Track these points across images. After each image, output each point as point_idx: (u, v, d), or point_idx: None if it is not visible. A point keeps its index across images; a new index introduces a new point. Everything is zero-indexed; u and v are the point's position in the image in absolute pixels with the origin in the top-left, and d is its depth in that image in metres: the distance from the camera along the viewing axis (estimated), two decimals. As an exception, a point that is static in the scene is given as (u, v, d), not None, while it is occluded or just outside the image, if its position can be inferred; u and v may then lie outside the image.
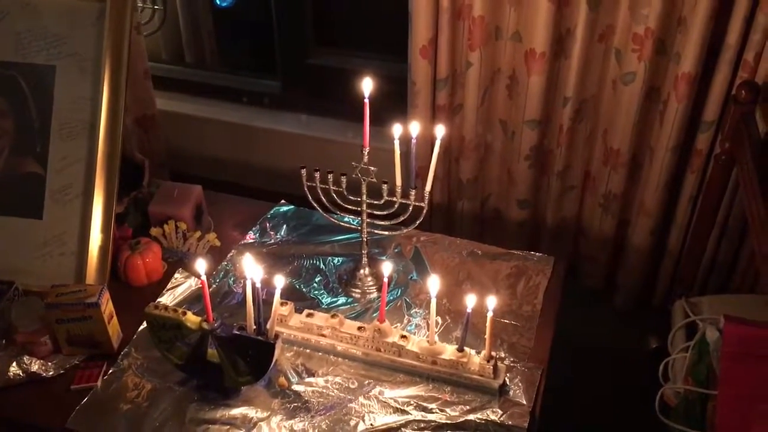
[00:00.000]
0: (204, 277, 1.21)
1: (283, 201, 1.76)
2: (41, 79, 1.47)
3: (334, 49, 2.18)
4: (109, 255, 1.46)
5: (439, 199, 1.97)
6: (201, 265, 1.21)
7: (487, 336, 1.26)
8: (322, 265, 1.58)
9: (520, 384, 1.30)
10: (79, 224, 1.45)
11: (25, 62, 1.47)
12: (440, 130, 1.34)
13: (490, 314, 1.23)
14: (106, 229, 1.46)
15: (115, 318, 1.37)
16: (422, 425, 1.23)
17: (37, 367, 1.31)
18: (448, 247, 1.63)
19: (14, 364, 1.30)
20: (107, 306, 1.33)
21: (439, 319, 1.43)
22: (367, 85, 1.31)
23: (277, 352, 1.24)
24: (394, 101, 1.93)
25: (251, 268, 1.18)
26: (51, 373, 1.31)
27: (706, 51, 1.56)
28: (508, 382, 1.30)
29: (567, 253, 1.95)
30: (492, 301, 1.23)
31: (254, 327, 1.23)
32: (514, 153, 1.85)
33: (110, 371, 1.33)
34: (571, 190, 1.88)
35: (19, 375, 1.29)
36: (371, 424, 1.23)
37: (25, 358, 1.31)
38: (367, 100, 1.32)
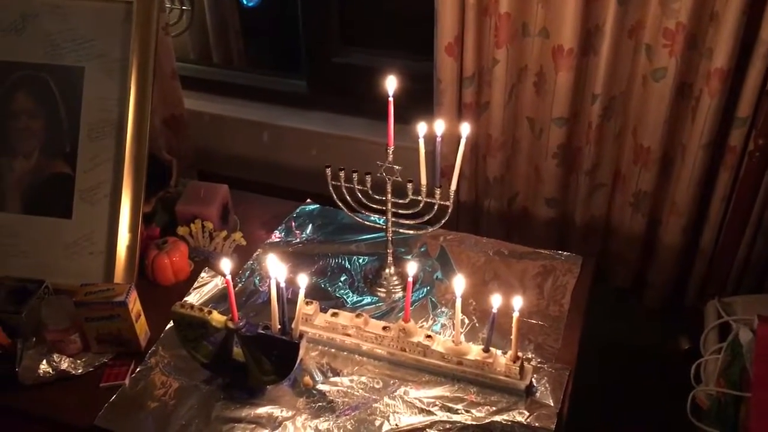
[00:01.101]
0: (229, 277, 1.21)
1: (308, 200, 1.76)
2: (70, 81, 1.49)
3: (359, 48, 2.17)
4: (137, 254, 1.48)
5: (465, 198, 1.95)
6: (226, 264, 1.21)
7: (513, 336, 1.24)
8: (347, 264, 1.57)
9: (547, 385, 1.28)
10: (108, 224, 1.47)
11: (54, 64, 1.49)
12: (465, 129, 1.33)
13: (516, 314, 1.21)
14: (133, 228, 1.47)
15: (142, 317, 1.38)
16: (447, 426, 1.22)
17: (66, 365, 1.32)
18: (474, 246, 1.62)
19: (44, 362, 1.32)
20: (135, 305, 1.35)
21: (466, 319, 1.42)
22: (391, 84, 1.31)
23: (301, 351, 1.24)
24: (419, 99, 1.92)
25: (275, 268, 1.18)
26: (80, 371, 1.33)
27: (740, 45, 1.52)
28: (535, 384, 1.28)
29: (595, 252, 1.92)
30: (518, 301, 1.21)
31: (279, 326, 1.23)
32: (542, 151, 1.83)
33: (138, 369, 1.34)
34: (601, 188, 1.85)
35: (49, 373, 1.31)
36: (396, 425, 1.23)
37: (55, 356, 1.33)
38: (391, 99, 1.31)
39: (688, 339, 1.82)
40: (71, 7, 1.49)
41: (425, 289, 1.50)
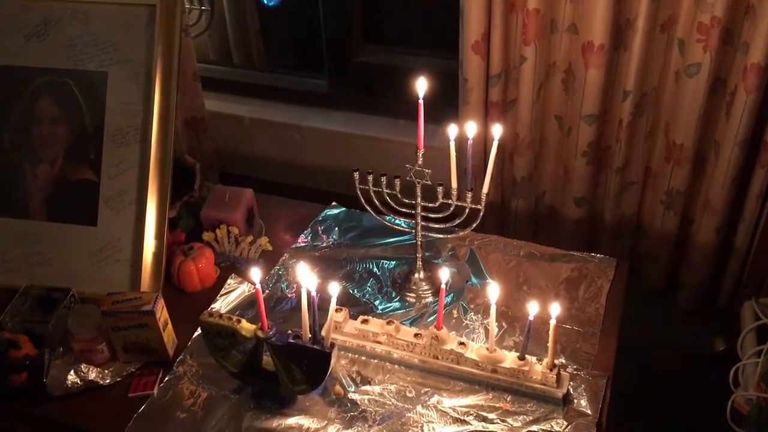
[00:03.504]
0: (259, 286, 1.19)
1: (334, 203, 1.73)
2: (94, 86, 1.47)
3: (381, 46, 2.14)
4: (163, 261, 1.46)
5: (492, 198, 1.92)
6: (256, 273, 1.19)
7: (550, 344, 1.21)
8: (375, 269, 1.54)
9: (584, 393, 1.25)
10: (133, 231, 1.45)
11: (77, 69, 1.47)
12: (498, 131, 1.29)
13: (553, 322, 1.18)
14: (159, 235, 1.45)
15: (170, 325, 1.36)
16: (483, 436, 1.19)
17: (94, 375, 1.31)
18: (503, 248, 1.59)
19: (72, 372, 1.30)
20: (162, 313, 1.33)
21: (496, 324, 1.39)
22: (421, 86, 1.27)
23: (333, 361, 1.22)
24: (443, 97, 1.88)
25: (306, 277, 1.15)
26: (108, 381, 1.31)
27: (777, 39, 1.48)
28: (571, 392, 1.25)
29: (626, 252, 1.88)
30: (556, 309, 1.18)
31: (309, 335, 1.21)
32: (571, 149, 1.79)
33: (166, 379, 1.32)
34: (631, 186, 1.81)
35: (77, 383, 1.29)
36: (430, 435, 1.20)
37: (83, 367, 1.31)
38: (421, 101, 1.28)
39: (722, 340, 1.78)
40: (94, 12, 1.46)
41: (454, 294, 1.47)
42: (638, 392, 1.78)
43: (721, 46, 1.54)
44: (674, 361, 1.86)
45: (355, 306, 1.45)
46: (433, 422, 1.22)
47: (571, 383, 1.26)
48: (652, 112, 1.71)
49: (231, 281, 1.51)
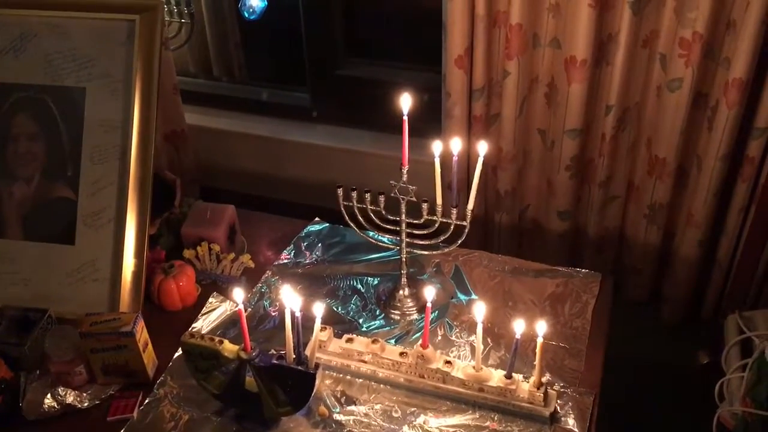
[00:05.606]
0: (242, 306, 1.17)
1: (317, 219, 1.72)
2: (71, 102, 1.44)
3: (364, 60, 2.13)
4: (143, 280, 1.43)
5: (475, 212, 1.90)
6: (239, 294, 1.17)
7: (537, 362, 1.20)
8: (359, 286, 1.53)
9: (571, 411, 1.24)
10: (112, 249, 1.42)
11: (54, 85, 1.44)
12: (483, 147, 1.28)
13: (540, 340, 1.17)
14: (139, 254, 1.42)
15: (150, 346, 1.33)
16: (470, 457, 1.18)
17: (72, 398, 1.27)
18: (488, 263, 1.58)
19: (49, 395, 1.26)
20: (142, 334, 1.30)
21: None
22: (405, 102, 1.26)
23: (317, 381, 1.20)
24: (426, 111, 1.88)
25: (290, 298, 1.13)
26: (86, 405, 1.28)
27: (759, 55, 1.49)
28: (559, 410, 1.24)
29: (610, 266, 1.88)
30: (542, 327, 1.17)
31: (293, 356, 1.18)
32: (554, 163, 1.79)
33: (146, 401, 1.29)
34: (614, 200, 1.82)
35: (54, 407, 1.26)
36: (417, 456, 1.18)
37: (60, 390, 1.27)
38: (406, 117, 1.27)
39: (706, 353, 1.78)
40: (71, 26, 1.44)
41: (438, 311, 1.45)
42: (623, 406, 1.77)
43: (702, 61, 1.55)
44: (658, 374, 1.86)
45: (339, 324, 1.43)
46: (419, 443, 1.20)
47: (559, 401, 1.25)
48: (634, 126, 1.71)
49: (212, 300, 1.48)
